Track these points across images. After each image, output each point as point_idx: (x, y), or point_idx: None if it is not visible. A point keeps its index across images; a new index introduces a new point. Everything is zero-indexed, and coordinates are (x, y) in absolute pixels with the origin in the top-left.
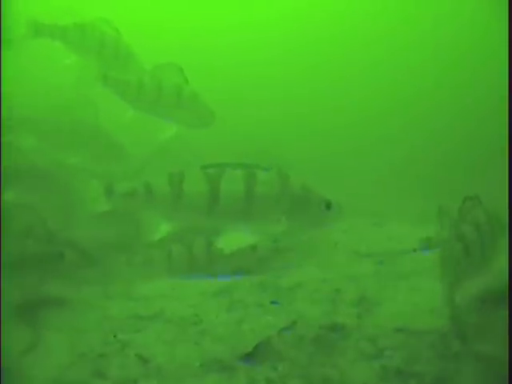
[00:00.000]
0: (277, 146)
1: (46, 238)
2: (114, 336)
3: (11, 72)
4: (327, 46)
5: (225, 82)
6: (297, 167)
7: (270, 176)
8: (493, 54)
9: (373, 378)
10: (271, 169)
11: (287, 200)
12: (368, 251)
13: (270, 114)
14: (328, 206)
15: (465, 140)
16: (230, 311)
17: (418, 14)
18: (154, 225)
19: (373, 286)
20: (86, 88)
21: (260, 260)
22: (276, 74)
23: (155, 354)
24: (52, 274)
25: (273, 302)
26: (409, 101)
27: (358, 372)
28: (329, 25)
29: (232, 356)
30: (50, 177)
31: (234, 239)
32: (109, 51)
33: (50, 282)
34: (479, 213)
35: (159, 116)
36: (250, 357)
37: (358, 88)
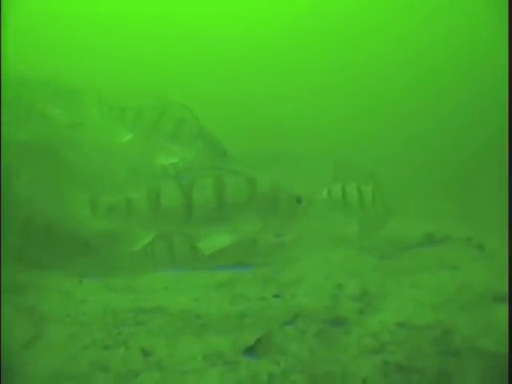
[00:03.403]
0: (280, 140)
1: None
2: (116, 329)
3: None
4: (327, 42)
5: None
6: (295, 162)
7: (238, 181)
8: (493, 48)
9: (374, 373)
10: (240, 173)
11: (258, 201)
12: (370, 246)
13: (268, 114)
14: (299, 200)
15: (466, 136)
16: (233, 305)
17: (418, 8)
18: (135, 235)
19: (375, 281)
20: None
21: (262, 254)
22: (272, 68)
23: (157, 347)
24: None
25: (275, 296)
26: (411, 95)
27: (359, 367)
28: (328, 19)
29: (234, 349)
30: None
31: (213, 241)
32: None
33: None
34: None
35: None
36: (252, 350)
37: (356, 83)
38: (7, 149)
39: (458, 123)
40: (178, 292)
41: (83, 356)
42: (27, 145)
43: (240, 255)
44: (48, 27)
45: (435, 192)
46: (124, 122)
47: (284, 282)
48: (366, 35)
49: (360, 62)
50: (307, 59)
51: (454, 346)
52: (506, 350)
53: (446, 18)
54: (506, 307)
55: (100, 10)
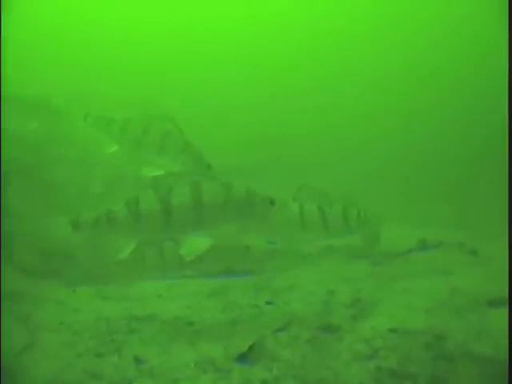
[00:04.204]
0: (274, 145)
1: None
2: (109, 336)
3: None
4: (322, 42)
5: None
6: (294, 165)
7: (214, 186)
8: (493, 50)
9: (367, 379)
10: (215, 179)
11: (233, 205)
12: (363, 252)
13: (262, 115)
14: (272, 202)
15: (460, 141)
16: (225, 312)
17: (418, 10)
18: (118, 246)
19: (367, 287)
20: None
21: (255, 261)
22: (265, 72)
23: (150, 354)
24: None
25: (268, 303)
26: (405, 99)
27: (352, 373)
28: (324, 20)
29: (227, 356)
30: None
31: (193, 245)
32: None
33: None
34: None
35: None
36: (244, 357)
37: (352, 86)
38: None
39: (454, 128)
40: (170, 300)
41: (77, 364)
42: (14, 161)
43: (232, 263)
44: (36, 40)
45: (428, 197)
46: (110, 133)
47: (276, 289)
48: (364, 38)
49: (357, 65)
50: (302, 62)
51: (447, 351)
52: (501, 356)
53: (447, 20)
54: (499, 312)
55: (87, 23)
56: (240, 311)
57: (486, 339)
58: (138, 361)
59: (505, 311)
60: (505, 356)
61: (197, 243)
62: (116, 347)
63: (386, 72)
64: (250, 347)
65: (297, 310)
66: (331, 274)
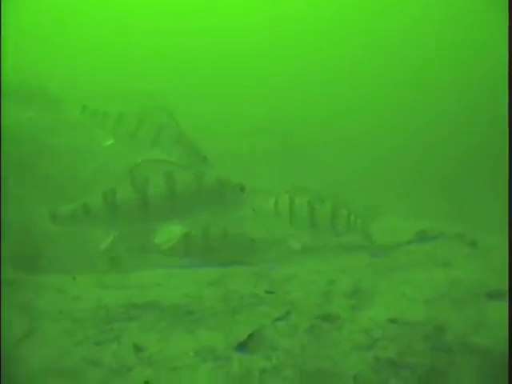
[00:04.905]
0: (275, 136)
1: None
2: (109, 324)
3: None
4: (320, 36)
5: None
6: (291, 156)
7: (187, 176)
8: (492, 45)
9: (366, 369)
10: (188, 168)
11: (205, 193)
12: (362, 243)
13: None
14: (242, 188)
15: (460, 133)
16: (225, 301)
17: (416, 4)
18: (98, 237)
19: (367, 277)
20: None
21: (255, 251)
22: (260, 68)
23: (149, 342)
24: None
25: (267, 292)
26: (405, 93)
27: (351, 362)
28: (322, 13)
29: (226, 345)
30: None
31: (168, 233)
32: None
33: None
34: None
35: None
36: (243, 346)
37: (350, 80)
38: None
39: (453, 120)
40: (170, 288)
41: (76, 351)
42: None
43: (233, 252)
44: (32, 32)
45: (428, 188)
46: (105, 126)
47: (276, 279)
48: (360, 31)
49: (356, 58)
50: (298, 55)
51: (446, 342)
52: (500, 347)
53: (445, 14)
54: (498, 304)
55: (83, 16)
56: (240, 300)
57: (485, 331)
58: (137, 348)
59: (504, 303)
60: (504, 347)
61: (170, 232)
62: (115, 335)
63: (384, 65)
64: (250, 336)
65: (296, 300)
66: (331, 264)
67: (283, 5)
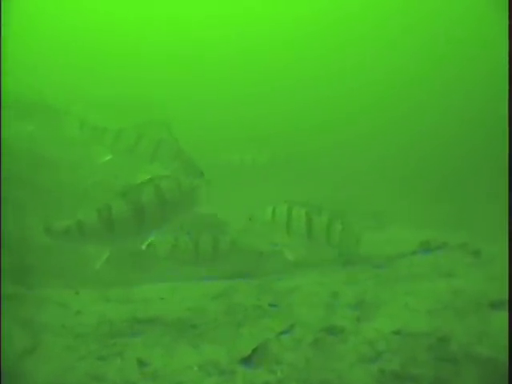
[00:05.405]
0: (272, 143)
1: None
2: (112, 339)
3: None
4: (320, 39)
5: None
6: (291, 164)
7: (171, 183)
8: (492, 43)
9: (371, 382)
10: (170, 176)
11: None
12: (366, 254)
13: (258, 111)
14: (201, 174)
15: (461, 141)
16: (229, 314)
17: (418, 6)
18: (94, 255)
19: (371, 289)
20: None
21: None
22: (261, 71)
23: (153, 357)
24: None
25: (271, 305)
26: (406, 98)
27: (356, 375)
28: (323, 13)
29: (230, 359)
30: None
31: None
32: None
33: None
34: None
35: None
36: (248, 360)
37: (349, 84)
38: None
39: (455, 128)
40: (173, 302)
41: (79, 367)
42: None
43: (237, 265)
44: (33, 47)
45: (431, 198)
46: (104, 142)
47: (280, 291)
48: (360, 35)
49: (355, 62)
50: (300, 59)
51: (450, 352)
52: (504, 357)
53: (446, 15)
54: (502, 314)
55: (83, 31)
56: (243, 313)
57: (488, 341)
58: (141, 363)
59: (506, 313)
60: (503, 356)
61: (160, 240)
62: (119, 350)
63: (384, 69)
64: (254, 350)
65: (300, 312)
66: (334, 276)
67: (277, 9)
